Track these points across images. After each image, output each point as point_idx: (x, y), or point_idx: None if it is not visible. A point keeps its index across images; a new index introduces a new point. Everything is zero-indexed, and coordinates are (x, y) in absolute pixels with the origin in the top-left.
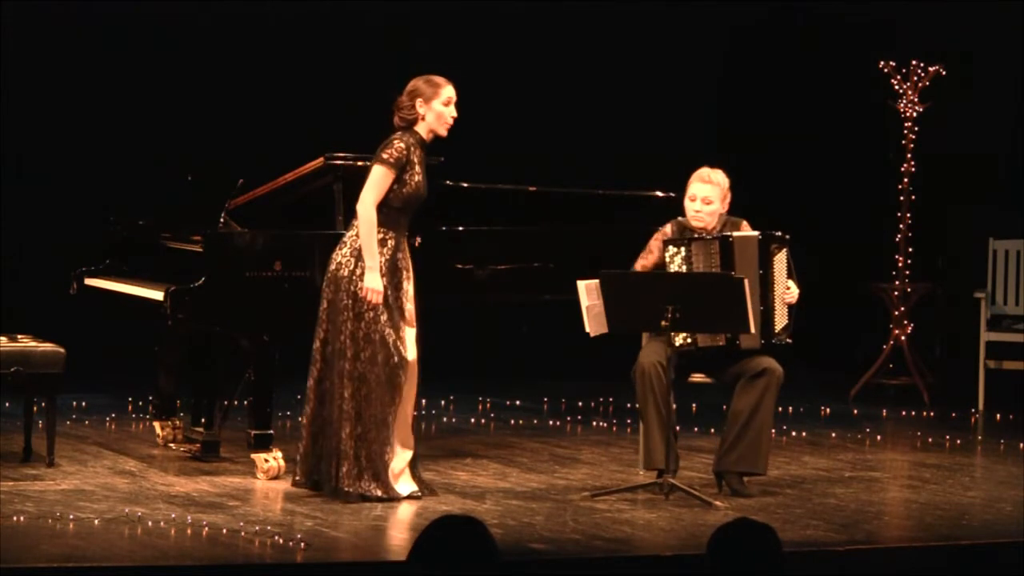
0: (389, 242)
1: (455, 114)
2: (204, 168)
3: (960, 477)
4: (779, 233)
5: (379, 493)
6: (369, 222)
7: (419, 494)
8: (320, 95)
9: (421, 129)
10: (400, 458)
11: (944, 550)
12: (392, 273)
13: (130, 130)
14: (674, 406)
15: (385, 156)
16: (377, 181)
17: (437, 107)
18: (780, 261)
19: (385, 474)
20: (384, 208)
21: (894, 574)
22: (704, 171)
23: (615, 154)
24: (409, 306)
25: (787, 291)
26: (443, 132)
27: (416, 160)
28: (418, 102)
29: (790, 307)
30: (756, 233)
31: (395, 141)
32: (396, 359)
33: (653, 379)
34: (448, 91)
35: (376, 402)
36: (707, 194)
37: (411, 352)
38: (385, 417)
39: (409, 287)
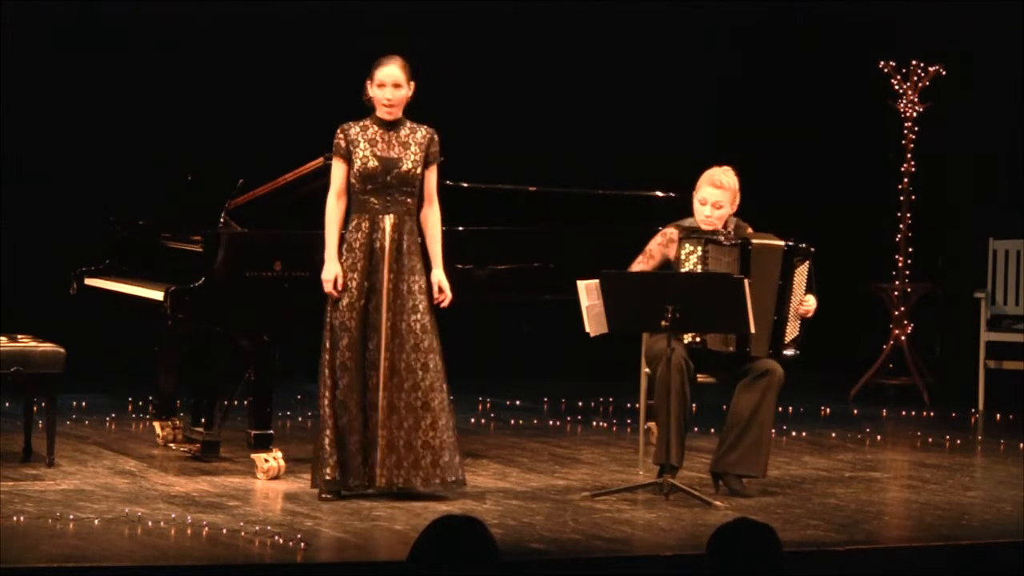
0: (363, 226)
1: (389, 96)
2: (204, 168)
3: (960, 477)
4: (804, 245)
5: (340, 478)
6: (326, 214)
7: (357, 490)
8: (320, 95)
9: (378, 110)
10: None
11: (944, 550)
12: (369, 256)
13: (130, 130)
14: (694, 405)
15: (332, 148)
16: (331, 174)
17: (373, 89)
18: (801, 274)
19: (350, 461)
20: (352, 194)
21: (894, 574)
22: (716, 175)
23: (615, 154)
24: (382, 287)
25: (803, 302)
26: (383, 115)
27: (363, 139)
28: (368, 83)
29: (803, 320)
30: (781, 243)
31: (337, 130)
32: (359, 344)
33: (676, 374)
34: (381, 73)
35: (345, 390)
36: (718, 199)
37: (380, 333)
38: (350, 404)
39: (385, 271)
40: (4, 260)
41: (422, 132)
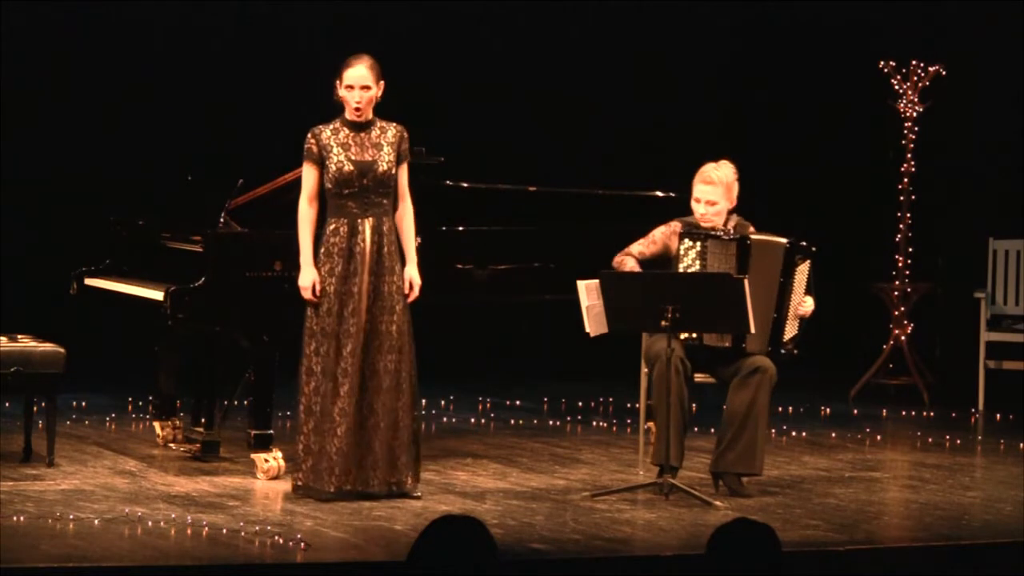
0: (341, 230)
1: (358, 99)
2: (204, 168)
3: (960, 477)
4: (804, 244)
5: (313, 485)
6: (299, 219)
7: (332, 497)
8: (320, 95)
9: (348, 112)
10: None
11: (944, 550)
12: (347, 260)
13: (130, 130)
14: (693, 405)
15: (303, 153)
16: (303, 178)
17: (342, 91)
18: (802, 272)
19: (327, 468)
20: (328, 198)
21: (894, 574)
22: (707, 171)
23: (615, 154)
24: (361, 291)
25: (802, 303)
26: (352, 116)
27: (335, 143)
28: (337, 83)
29: (802, 319)
30: (784, 240)
31: (307, 134)
32: (336, 349)
33: (673, 374)
34: (349, 75)
35: (324, 395)
36: (710, 196)
37: (356, 339)
38: (327, 408)
39: (364, 274)
40: (4, 260)
41: (392, 131)
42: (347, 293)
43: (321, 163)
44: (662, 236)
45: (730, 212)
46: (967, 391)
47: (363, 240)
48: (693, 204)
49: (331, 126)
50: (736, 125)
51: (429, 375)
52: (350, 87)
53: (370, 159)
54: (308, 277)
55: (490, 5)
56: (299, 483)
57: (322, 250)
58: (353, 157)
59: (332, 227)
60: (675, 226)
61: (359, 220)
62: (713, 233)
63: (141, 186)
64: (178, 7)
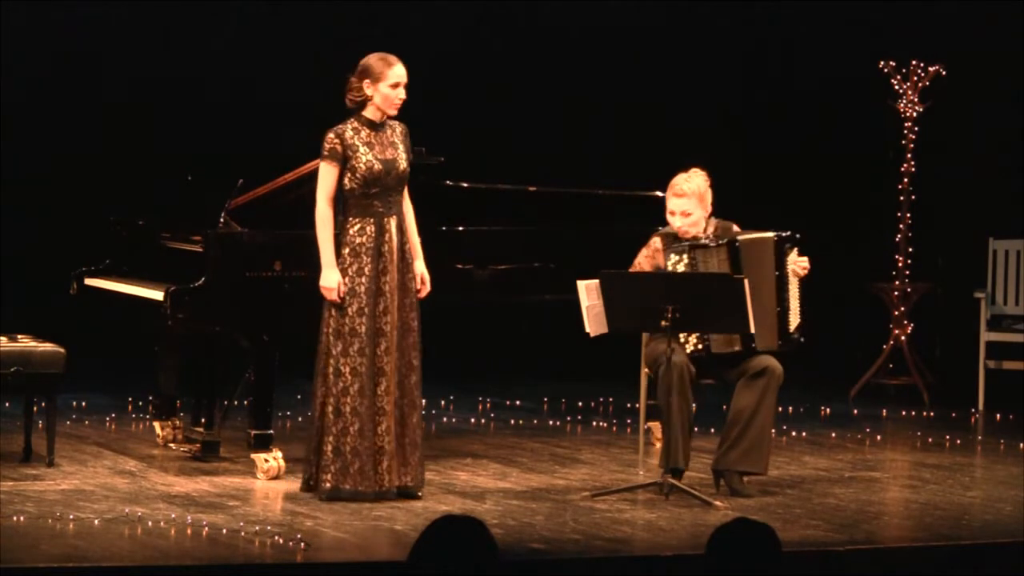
0: (368, 229)
1: (403, 96)
2: (204, 168)
3: (960, 477)
4: (788, 233)
5: (347, 487)
6: (320, 220)
7: (364, 497)
8: (320, 94)
9: (369, 112)
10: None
11: (944, 550)
12: (376, 259)
13: (130, 130)
14: (693, 406)
15: (323, 153)
16: (322, 178)
17: (384, 89)
18: (792, 261)
19: (360, 468)
20: (349, 198)
21: (894, 574)
22: (677, 183)
23: (615, 154)
24: (391, 289)
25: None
26: (392, 112)
27: (360, 142)
28: (366, 83)
29: (802, 305)
30: (771, 234)
31: (327, 134)
32: (371, 349)
33: (682, 378)
34: (395, 73)
35: (359, 395)
36: (683, 207)
37: (391, 337)
38: (366, 408)
39: (393, 272)
40: (4, 260)
41: (400, 128)
42: (378, 292)
43: (344, 163)
44: (647, 259)
45: (709, 217)
46: (967, 391)
47: (390, 239)
48: (668, 217)
49: (351, 125)
50: (736, 125)
51: (429, 375)
52: (396, 85)
53: (391, 157)
54: (333, 278)
55: (490, 5)
56: (327, 484)
57: (346, 250)
58: (379, 156)
59: (357, 227)
60: (655, 243)
61: (385, 219)
62: (699, 243)
63: (141, 186)
64: (178, 7)
